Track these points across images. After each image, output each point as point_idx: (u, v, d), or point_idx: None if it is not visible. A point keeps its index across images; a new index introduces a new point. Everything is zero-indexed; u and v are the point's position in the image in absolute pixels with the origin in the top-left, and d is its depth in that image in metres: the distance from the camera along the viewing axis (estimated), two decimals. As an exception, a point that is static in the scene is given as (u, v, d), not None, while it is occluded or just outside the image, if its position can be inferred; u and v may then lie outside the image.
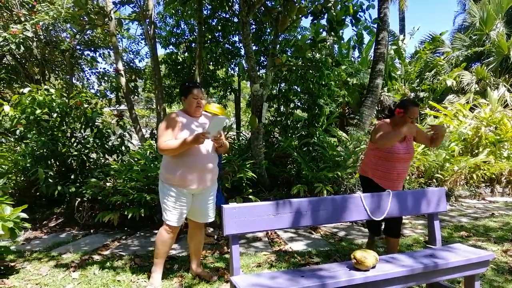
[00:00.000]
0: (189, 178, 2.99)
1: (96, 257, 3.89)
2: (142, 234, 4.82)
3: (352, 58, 12.48)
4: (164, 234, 3.09)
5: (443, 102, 10.85)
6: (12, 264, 3.69)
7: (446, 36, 15.19)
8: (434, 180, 6.74)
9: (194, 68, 8.43)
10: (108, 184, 5.16)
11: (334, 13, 5.61)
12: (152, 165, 5.11)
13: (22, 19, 7.42)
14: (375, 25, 7.44)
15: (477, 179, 7.14)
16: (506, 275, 3.27)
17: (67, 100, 5.96)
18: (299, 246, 4.26)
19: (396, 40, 12.64)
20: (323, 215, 2.67)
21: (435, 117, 9.29)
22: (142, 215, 4.73)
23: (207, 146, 3.07)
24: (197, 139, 2.86)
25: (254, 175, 5.55)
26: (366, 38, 11.85)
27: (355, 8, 5.59)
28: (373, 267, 2.44)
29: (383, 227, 3.59)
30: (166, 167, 3.06)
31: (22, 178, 5.74)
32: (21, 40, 6.44)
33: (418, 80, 12.88)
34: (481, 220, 5.37)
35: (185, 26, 9.71)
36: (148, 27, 7.46)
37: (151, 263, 3.20)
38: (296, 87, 8.19)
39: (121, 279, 3.25)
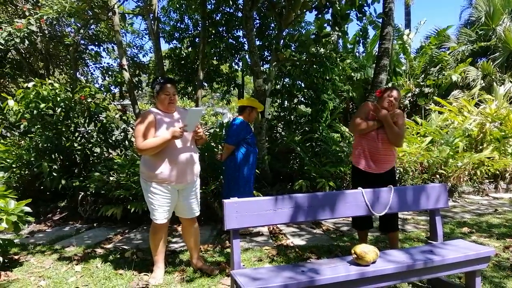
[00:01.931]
0: (171, 174, 2.99)
1: (99, 251, 3.92)
2: (144, 228, 4.85)
3: (357, 53, 12.40)
4: (155, 232, 3.12)
5: (448, 98, 10.77)
6: (16, 257, 3.74)
7: (452, 31, 15.05)
8: (438, 176, 6.71)
9: (197, 63, 8.43)
10: (111, 178, 5.19)
11: (338, 8, 5.57)
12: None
13: (27, 13, 7.44)
14: (380, 20, 7.39)
15: (481, 175, 7.10)
16: (507, 271, 3.26)
17: (71, 95, 5.98)
18: (301, 241, 4.27)
19: (401, 35, 12.53)
20: (324, 210, 2.67)
21: (440, 112, 9.23)
22: (145, 209, 4.75)
23: (186, 140, 3.07)
24: (175, 133, 2.88)
25: (257, 170, 5.55)
26: (371, 32, 11.79)
27: (361, 1, 5.56)
28: (374, 262, 2.45)
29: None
30: (147, 165, 3.02)
31: (27, 172, 5.78)
32: (26, 35, 6.45)
33: (423, 76, 12.78)
34: (484, 216, 5.35)
35: (189, 21, 9.71)
36: (152, 21, 7.45)
37: (153, 257, 3.23)
38: (300, 82, 8.16)
39: (123, 272, 3.28)
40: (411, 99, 12.16)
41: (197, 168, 3.21)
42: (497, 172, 7.36)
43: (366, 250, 2.43)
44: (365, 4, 5.59)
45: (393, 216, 3.38)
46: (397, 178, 6.25)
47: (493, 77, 12.04)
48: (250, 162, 4.39)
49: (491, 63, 12.35)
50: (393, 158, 3.39)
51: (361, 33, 6.31)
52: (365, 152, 3.36)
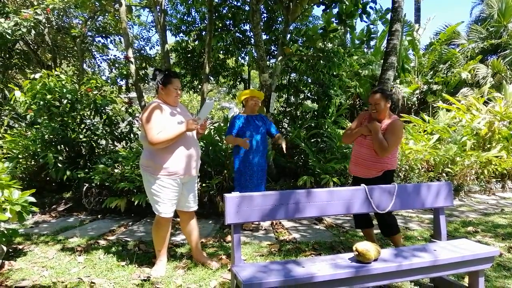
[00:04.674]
0: (182, 167, 2.98)
1: (102, 242, 3.94)
2: (148, 220, 4.87)
3: (365, 49, 12.29)
4: (160, 226, 3.10)
5: (457, 95, 10.65)
6: (20, 246, 3.77)
7: (462, 28, 14.88)
8: (444, 174, 6.64)
9: (204, 56, 8.40)
10: (116, 170, 5.21)
11: (344, 6, 5.55)
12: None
13: (35, 3, 7.47)
14: (389, 15, 7.32)
15: (488, 174, 7.01)
16: (511, 271, 3.22)
17: (77, 87, 6.01)
18: (302, 236, 4.26)
19: (410, 31, 12.39)
20: (327, 206, 2.65)
21: (448, 110, 9.12)
22: (149, 202, 4.76)
23: (191, 132, 3.08)
24: (191, 126, 2.88)
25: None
26: (380, 28, 11.68)
27: (365, 0, 5.54)
28: (375, 260, 2.43)
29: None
30: (153, 158, 2.96)
31: (32, 162, 5.83)
32: (32, 24, 6.47)
33: (431, 72, 12.64)
34: (490, 216, 5.28)
35: (196, 14, 9.66)
36: (159, 14, 7.43)
37: (155, 250, 3.23)
38: (306, 77, 8.11)
39: (125, 264, 3.29)
40: (419, 96, 12.04)
41: (199, 161, 3.23)
42: (505, 172, 7.27)
43: (367, 247, 2.40)
44: (370, 1, 5.55)
45: (389, 220, 3.29)
46: (401, 178, 6.20)
47: (503, 75, 11.87)
48: (241, 154, 4.38)
49: (501, 60, 12.17)
50: (380, 166, 3.24)
51: (365, 33, 6.27)
52: (353, 157, 3.42)
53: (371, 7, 5.64)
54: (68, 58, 11.22)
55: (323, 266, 2.34)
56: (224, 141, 5.33)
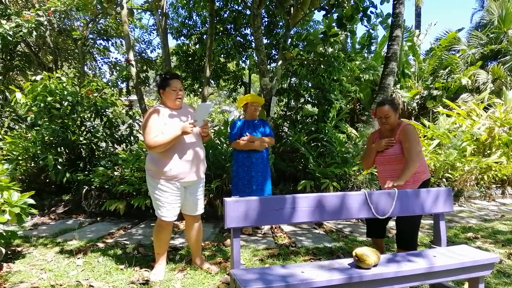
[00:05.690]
0: (181, 171, 2.97)
1: (101, 245, 3.93)
2: (147, 223, 4.86)
3: (365, 53, 12.31)
4: (161, 230, 3.09)
5: (457, 101, 10.65)
6: (19, 249, 3.77)
7: (462, 34, 14.91)
8: (444, 180, 6.64)
9: (204, 60, 8.41)
10: (115, 173, 5.21)
11: (343, 10, 5.56)
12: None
13: (37, 5, 7.49)
14: (389, 20, 7.34)
15: (488, 180, 7.01)
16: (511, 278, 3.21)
17: (78, 89, 6.02)
18: (302, 241, 4.25)
19: (411, 37, 12.42)
20: (327, 211, 2.64)
21: (448, 115, 9.13)
22: (148, 204, 4.77)
23: (194, 136, 3.06)
24: (185, 129, 2.85)
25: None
26: (381, 33, 11.71)
27: (365, 5, 5.56)
28: (375, 265, 2.41)
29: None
30: (155, 162, 2.98)
31: (32, 164, 5.83)
32: (33, 26, 6.49)
33: (432, 78, 12.66)
34: (490, 222, 5.27)
35: (197, 17, 9.67)
36: (160, 17, 7.45)
37: (154, 253, 3.22)
38: (306, 81, 8.11)
39: (124, 267, 3.28)
40: (419, 101, 12.06)
41: (204, 164, 3.21)
42: (505, 178, 7.26)
43: (367, 253, 2.39)
44: (371, 6, 5.56)
45: (406, 232, 3.20)
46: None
47: (503, 81, 11.89)
48: (238, 159, 4.38)
49: (502, 66, 12.19)
50: (412, 176, 3.14)
51: (366, 38, 6.29)
52: (384, 177, 3.26)
53: (371, 12, 5.65)
54: (69, 61, 11.23)
55: (321, 271, 2.33)
56: (225, 145, 5.33)
